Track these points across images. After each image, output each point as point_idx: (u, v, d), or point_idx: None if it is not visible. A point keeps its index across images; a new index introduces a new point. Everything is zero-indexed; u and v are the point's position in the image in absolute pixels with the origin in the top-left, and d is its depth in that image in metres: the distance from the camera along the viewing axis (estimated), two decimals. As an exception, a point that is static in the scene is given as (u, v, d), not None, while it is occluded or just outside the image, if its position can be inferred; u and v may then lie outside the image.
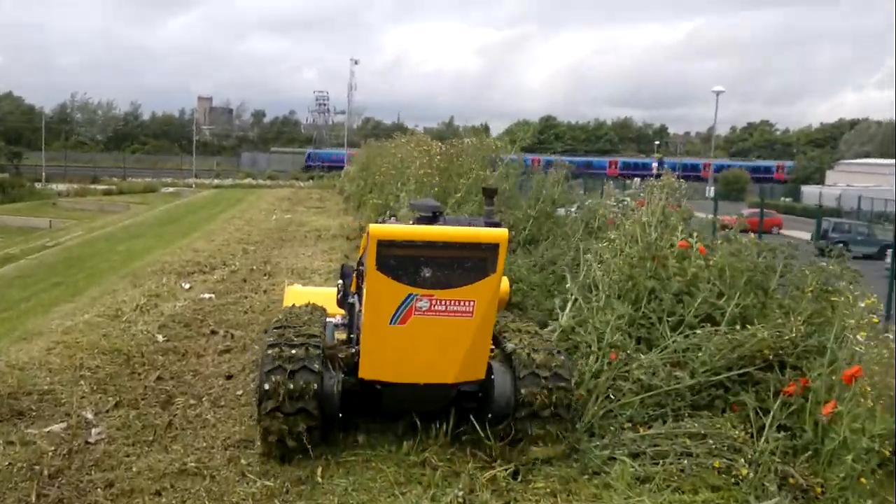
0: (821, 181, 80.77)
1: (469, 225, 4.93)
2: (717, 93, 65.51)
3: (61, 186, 50.69)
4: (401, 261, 4.57)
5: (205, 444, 5.16)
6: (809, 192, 70.77)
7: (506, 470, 4.84)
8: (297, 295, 6.79)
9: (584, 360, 5.77)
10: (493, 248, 4.60)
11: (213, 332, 8.02)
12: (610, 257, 6.80)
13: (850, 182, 70.63)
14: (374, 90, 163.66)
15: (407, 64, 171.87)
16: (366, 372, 4.93)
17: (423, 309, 4.61)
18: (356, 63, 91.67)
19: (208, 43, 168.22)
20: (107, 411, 5.75)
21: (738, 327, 5.57)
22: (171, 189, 51.60)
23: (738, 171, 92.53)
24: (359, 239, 15.91)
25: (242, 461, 4.88)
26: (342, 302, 6.16)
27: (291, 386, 4.67)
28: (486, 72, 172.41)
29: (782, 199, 71.87)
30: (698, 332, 5.49)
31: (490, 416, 5.09)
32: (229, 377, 6.59)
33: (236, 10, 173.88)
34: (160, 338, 7.78)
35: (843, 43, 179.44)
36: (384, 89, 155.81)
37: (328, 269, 11.77)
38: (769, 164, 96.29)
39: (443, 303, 4.63)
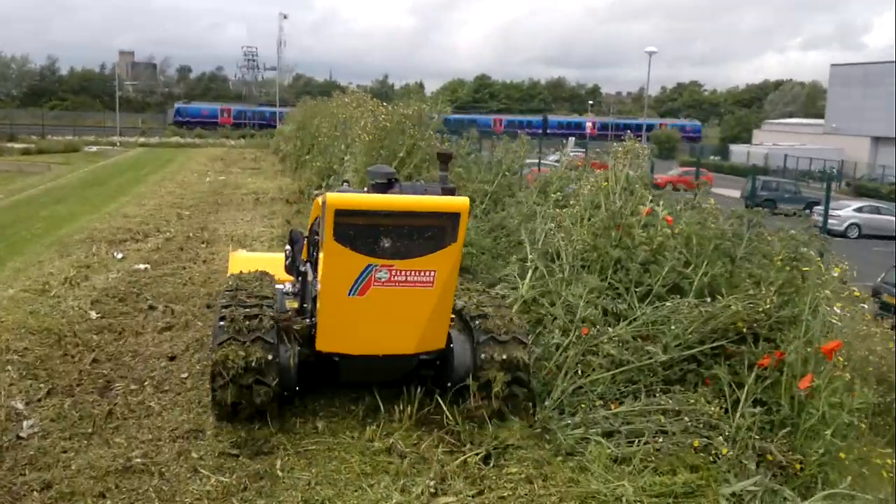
0: (748, 140, 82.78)
1: (425, 191, 4.79)
2: (650, 53, 65.98)
3: (-29, 146, 47.69)
4: (359, 231, 4.43)
5: (150, 437, 4.76)
6: (738, 151, 72.63)
7: (476, 455, 4.62)
8: (242, 261, 6.61)
9: (549, 334, 5.57)
10: (454, 216, 4.49)
11: (152, 308, 7.52)
12: (570, 224, 6.59)
13: (776, 141, 72.70)
14: (305, 48, 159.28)
15: (337, 21, 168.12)
16: (323, 344, 4.80)
17: (383, 280, 4.51)
18: (285, 17, 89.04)
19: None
20: (39, 400, 5.27)
21: (707, 298, 5.45)
22: (94, 148, 49.19)
23: (670, 131, 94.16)
24: (300, 203, 15.43)
25: (193, 454, 4.51)
26: (290, 268, 6.04)
27: (246, 358, 4.53)
28: (419, 30, 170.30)
29: (711, 157, 73.62)
30: (668, 303, 5.32)
31: (450, 384, 5.05)
32: (172, 358, 6.15)
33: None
34: (93, 314, 7.25)
35: (766, 7, 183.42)
36: (315, 46, 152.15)
37: (270, 236, 11.28)
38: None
39: (403, 273, 4.53)
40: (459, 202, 4.54)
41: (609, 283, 5.76)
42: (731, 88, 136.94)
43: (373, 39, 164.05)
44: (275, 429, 4.80)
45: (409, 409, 5.07)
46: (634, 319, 5.37)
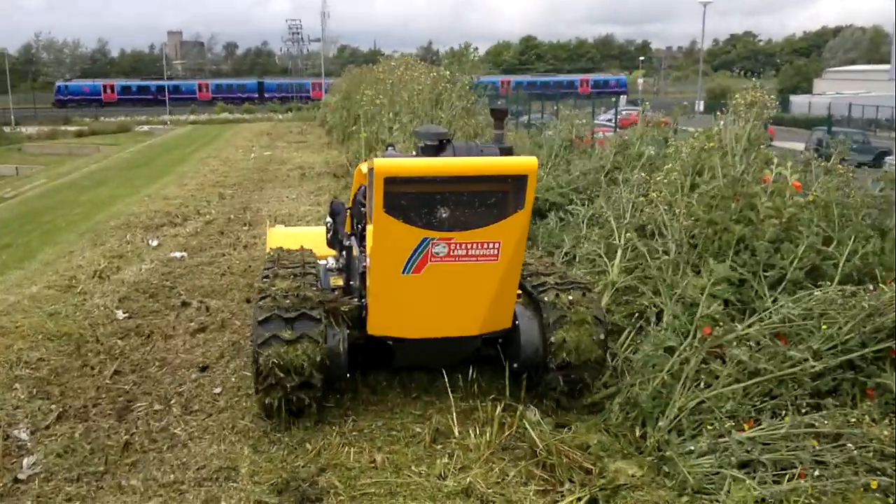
0: (808, 90, 79.14)
1: (482, 152, 4.23)
2: (705, 3, 63.05)
3: (31, 129, 48.17)
4: (413, 200, 3.91)
5: (172, 477, 3.87)
6: (798, 102, 69.32)
7: (579, 500, 3.60)
8: (280, 237, 6.14)
9: (659, 333, 4.49)
10: (520, 179, 3.93)
11: (185, 304, 6.66)
12: (669, 194, 5.45)
13: (839, 90, 69.25)
14: (348, 17, 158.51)
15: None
16: (375, 328, 4.34)
17: (441, 255, 4.01)
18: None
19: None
20: (47, 427, 4.43)
21: (853, 285, 4.29)
22: (145, 128, 49.43)
23: (727, 84, 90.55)
24: (347, 177, 14.49)
25: (223, 504, 3.61)
26: (333, 242, 5.64)
27: (291, 357, 4.08)
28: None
29: (768, 109, 70.53)
30: (816, 293, 4.16)
31: (516, 365, 4.55)
32: (204, 368, 5.26)
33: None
34: (120, 314, 6.42)
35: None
36: (358, 16, 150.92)
37: (316, 215, 10.35)
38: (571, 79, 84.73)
39: (463, 246, 4.02)
40: (526, 162, 3.95)
41: (731, 266, 4.63)
42: (788, 37, 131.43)
43: (416, 5, 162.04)
44: (324, 461, 3.89)
45: (487, 432, 4.09)
46: (768, 314, 4.24)
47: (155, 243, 9.12)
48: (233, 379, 5.05)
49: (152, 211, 11.28)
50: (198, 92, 78.22)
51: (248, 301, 6.64)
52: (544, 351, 4.45)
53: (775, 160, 4.77)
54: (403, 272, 4.04)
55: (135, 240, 9.40)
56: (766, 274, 4.50)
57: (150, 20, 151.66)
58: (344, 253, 5.30)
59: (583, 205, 6.88)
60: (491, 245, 4.05)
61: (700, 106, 56.80)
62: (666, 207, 5.26)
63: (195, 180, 15.02)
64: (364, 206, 4.57)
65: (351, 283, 4.89)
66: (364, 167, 4.78)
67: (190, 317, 6.34)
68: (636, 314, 4.97)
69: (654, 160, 6.76)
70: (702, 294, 4.30)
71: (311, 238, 5.85)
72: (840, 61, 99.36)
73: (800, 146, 35.69)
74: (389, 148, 5.19)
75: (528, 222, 4.17)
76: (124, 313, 6.46)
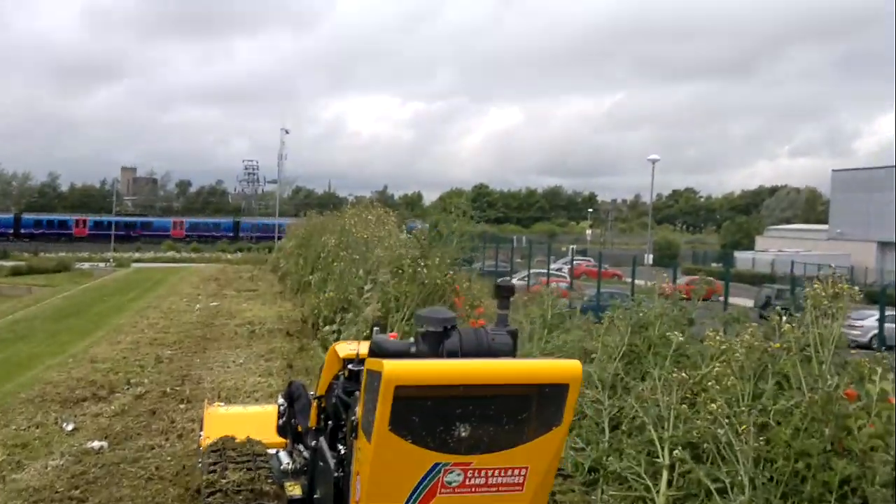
0: (749, 247, 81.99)
1: (493, 339, 3.39)
2: (653, 161, 65.69)
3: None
4: (428, 415, 3.06)
5: None
6: (742, 258, 71.46)
7: None
8: (220, 421, 5.33)
9: None
10: (561, 389, 3.15)
11: (94, 531, 5.14)
12: (724, 406, 4.32)
13: (779, 247, 71.82)
14: (304, 160, 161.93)
15: (341, 135, 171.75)
16: None
17: (454, 484, 3.16)
18: (287, 133, 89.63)
19: (133, 113, 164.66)
20: None
21: None
22: (86, 265, 47.62)
23: (672, 237, 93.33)
24: (303, 336, 13.19)
25: None
26: (284, 430, 4.83)
27: None
28: (418, 142, 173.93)
29: (713, 264, 72.56)
30: None
31: None
32: None
33: (165, 82, 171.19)
34: (4, 548, 4.87)
35: (756, 115, 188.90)
36: (315, 159, 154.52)
37: (267, 391, 8.93)
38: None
39: (482, 474, 3.18)
40: (571, 368, 3.17)
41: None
42: (727, 194, 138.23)
43: (373, 151, 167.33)
44: None
45: None
46: None
47: (70, 427, 7.55)
48: None
49: (74, 379, 9.69)
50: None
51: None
52: None
53: (874, 370, 3.71)
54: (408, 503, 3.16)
55: (47, 420, 7.81)
56: (891, 537, 3.32)
57: (105, 154, 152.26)
58: (302, 450, 4.47)
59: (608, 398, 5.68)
60: (517, 472, 3.21)
61: (649, 258, 57.84)
62: (726, 423, 4.10)
63: (130, 336, 13.45)
64: (345, 402, 3.79)
65: (316, 496, 4.05)
66: (342, 349, 4.12)
67: (97, 552, 4.81)
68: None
69: (684, 350, 5.69)
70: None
71: (256, 421, 5.14)
72: (777, 219, 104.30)
73: (748, 302, 35.94)
74: (375, 329, 4.29)
75: (563, 442, 3.39)
76: (11, 542, 4.91)
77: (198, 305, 18.25)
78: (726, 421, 4.12)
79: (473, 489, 3.20)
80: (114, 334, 13.88)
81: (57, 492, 5.79)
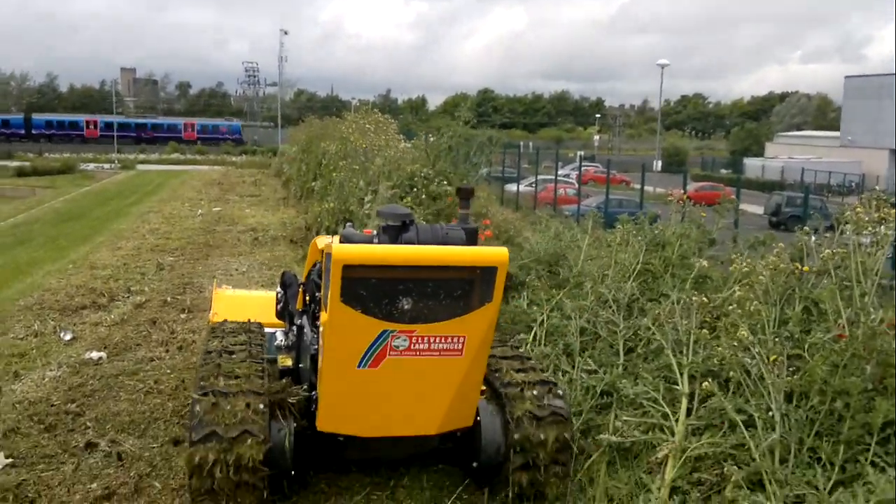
0: (759, 153, 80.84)
1: (447, 235, 3.96)
2: (662, 66, 63.83)
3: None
4: (374, 290, 3.66)
5: None
6: (752, 165, 70.53)
7: None
8: (227, 302, 6.02)
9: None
10: (490, 271, 3.74)
11: (90, 446, 4.97)
12: (750, 332, 4.04)
13: (789, 154, 70.84)
14: (306, 63, 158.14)
15: (341, 36, 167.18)
16: (326, 424, 4.06)
17: (401, 348, 3.80)
18: (286, 34, 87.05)
19: (127, 13, 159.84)
20: None
21: None
22: (90, 166, 47.04)
23: (681, 144, 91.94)
24: (306, 244, 12.93)
25: None
26: (282, 313, 5.47)
27: (230, 458, 3.74)
28: (421, 44, 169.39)
29: (722, 171, 71.84)
30: None
31: (476, 464, 4.34)
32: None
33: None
34: (0, 458, 4.73)
35: (766, 21, 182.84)
36: (317, 62, 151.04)
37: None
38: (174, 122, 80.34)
39: (425, 340, 3.82)
40: (497, 254, 3.75)
41: (871, 460, 3.22)
42: (736, 100, 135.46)
43: (375, 54, 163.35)
44: None
45: None
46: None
47: (68, 337, 7.38)
48: None
49: (74, 286, 9.50)
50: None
51: (175, 443, 5.01)
52: (507, 449, 4.24)
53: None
54: (359, 366, 3.80)
55: (45, 329, 7.65)
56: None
57: (103, 56, 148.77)
58: (294, 328, 5.13)
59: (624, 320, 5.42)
60: (455, 339, 3.85)
61: (658, 165, 57.07)
62: (756, 354, 3.84)
63: (131, 242, 13.23)
64: (319, 285, 4.37)
65: (301, 365, 4.76)
66: (320, 242, 4.63)
67: (93, 470, 4.66)
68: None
69: (705, 272, 5.38)
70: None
71: (260, 304, 5.75)
72: (787, 126, 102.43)
73: (758, 209, 35.52)
74: (347, 224, 4.68)
75: (496, 317, 3.95)
76: (6, 457, 4.77)
77: (200, 211, 17.98)
78: (756, 350, 3.85)
79: (418, 353, 3.80)
80: (114, 240, 13.66)
81: (53, 405, 5.65)
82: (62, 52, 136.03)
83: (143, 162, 49.89)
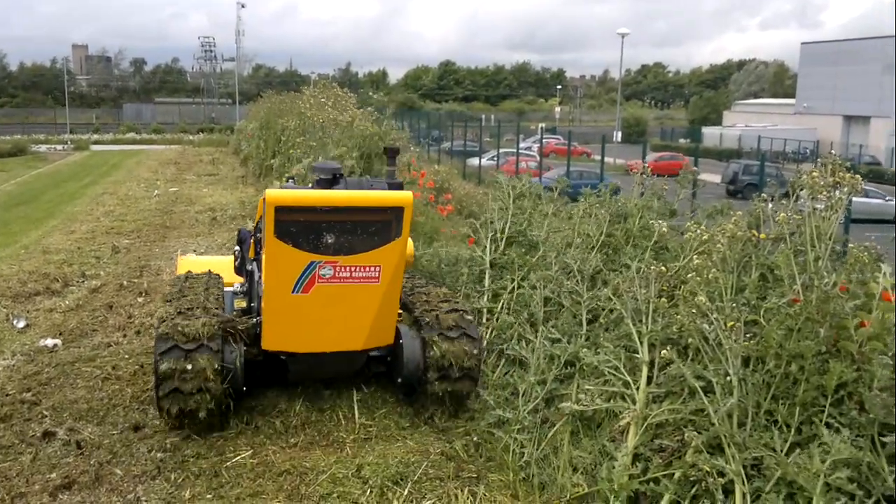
0: (717, 122, 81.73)
1: (371, 187, 4.77)
2: (623, 35, 63.89)
3: None
4: (301, 227, 4.40)
5: None
6: (710, 134, 71.37)
7: None
8: (191, 265, 6.50)
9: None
10: (397, 211, 4.51)
11: (48, 435, 4.86)
12: (708, 299, 4.08)
13: (747, 122, 71.74)
14: (265, 37, 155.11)
15: (300, 9, 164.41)
16: (269, 343, 4.82)
17: (327, 276, 4.53)
18: (243, 6, 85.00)
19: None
20: None
21: None
22: (42, 147, 45.70)
23: (641, 114, 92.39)
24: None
25: None
26: (240, 269, 6.04)
27: (189, 367, 4.41)
28: (381, 16, 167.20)
29: (681, 140, 72.53)
30: None
31: (400, 379, 5.10)
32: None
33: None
34: (-46, 452, 4.61)
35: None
36: (275, 36, 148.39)
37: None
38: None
39: (347, 269, 4.56)
40: (402, 196, 4.55)
41: (826, 422, 3.28)
42: (695, 69, 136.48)
43: (335, 27, 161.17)
44: None
45: None
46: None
47: (22, 324, 7.20)
48: None
49: (26, 272, 9.26)
50: None
51: (135, 429, 4.93)
52: (425, 366, 4.94)
53: (883, 268, 3.44)
54: (293, 292, 4.51)
55: (-3, 316, 7.46)
56: (882, 439, 3.16)
57: (55, 33, 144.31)
58: (248, 278, 5.72)
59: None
60: (372, 268, 4.60)
61: (618, 136, 57.43)
62: (714, 321, 3.88)
63: (86, 225, 12.93)
64: (262, 233, 4.88)
65: (252, 304, 5.41)
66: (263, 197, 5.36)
67: (52, 459, 4.56)
68: (688, 481, 3.56)
69: (665, 242, 5.41)
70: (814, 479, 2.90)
71: (220, 266, 6.25)
72: (744, 94, 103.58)
73: (716, 178, 35.94)
74: (290, 181, 5.46)
75: (405, 248, 4.67)
76: (-40, 450, 4.65)
77: (156, 191, 17.62)
78: (714, 317, 3.89)
79: (342, 280, 4.54)
80: (68, 223, 13.34)
81: (7, 395, 5.50)
82: (11, 29, 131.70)
83: (97, 142, 48.66)
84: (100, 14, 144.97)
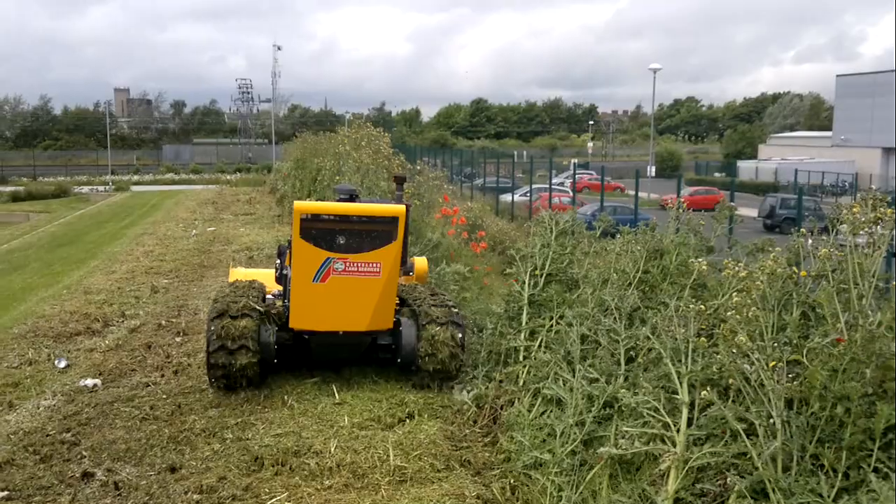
0: (752, 156, 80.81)
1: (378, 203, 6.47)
2: (655, 70, 63.98)
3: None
4: (320, 231, 5.93)
5: None
6: (745, 168, 70.52)
7: None
8: (240, 276, 7.46)
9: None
10: (393, 220, 6.01)
11: (87, 476, 4.92)
12: (748, 339, 3.99)
13: (783, 155, 70.85)
14: (301, 77, 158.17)
15: (336, 50, 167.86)
16: (295, 322, 6.24)
17: (340, 270, 5.96)
18: (279, 49, 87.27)
19: (126, 32, 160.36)
20: None
21: None
22: (85, 189, 46.88)
23: (674, 148, 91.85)
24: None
25: None
26: (280, 278, 6.96)
27: (233, 329, 5.95)
28: (417, 56, 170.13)
29: (716, 174, 71.77)
30: None
31: (399, 360, 6.47)
32: None
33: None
34: (-6, 494, 4.67)
35: (759, 20, 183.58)
36: (311, 76, 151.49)
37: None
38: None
39: (355, 264, 5.97)
40: (397, 209, 6.08)
41: (874, 466, 3.17)
42: (729, 103, 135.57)
43: (370, 67, 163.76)
44: None
45: None
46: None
47: (63, 364, 7.32)
48: None
49: (68, 312, 9.44)
50: None
51: (172, 470, 4.95)
52: (419, 346, 6.28)
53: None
54: (314, 281, 5.96)
55: (39, 357, 7.59)
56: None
57: (98, 76, 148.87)
58: (285, 282, 6.75)
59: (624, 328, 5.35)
60: (374, 264, 5.99)
61: (651, 170, 57.06)
62: (755, 361, 3.79)
63: (126, 265, 13.17)
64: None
65: (287, 302, 6.52)
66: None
67: (90, 500, 4.61)
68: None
69: (704, 280, 5.34)
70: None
71: (264, 276, 7.33)
72: (779, 127, 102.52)
73: (752, 212, 35.39)
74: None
75: (400, 250, 6.12)
76: (1, 491, 4.71)
77: (194, 231, 17.92)
78: (755, 356, 3.80)
79: (351, 273, 5.97)
80: (108, 263, 13.60)
81: (48, 434, 5.59)
82: (56, 73, 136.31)
83: (137, 183, 49.81)
84: (143, 58, 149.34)
